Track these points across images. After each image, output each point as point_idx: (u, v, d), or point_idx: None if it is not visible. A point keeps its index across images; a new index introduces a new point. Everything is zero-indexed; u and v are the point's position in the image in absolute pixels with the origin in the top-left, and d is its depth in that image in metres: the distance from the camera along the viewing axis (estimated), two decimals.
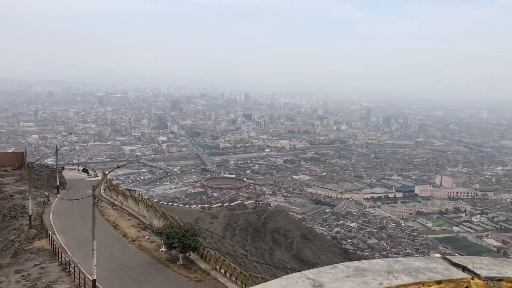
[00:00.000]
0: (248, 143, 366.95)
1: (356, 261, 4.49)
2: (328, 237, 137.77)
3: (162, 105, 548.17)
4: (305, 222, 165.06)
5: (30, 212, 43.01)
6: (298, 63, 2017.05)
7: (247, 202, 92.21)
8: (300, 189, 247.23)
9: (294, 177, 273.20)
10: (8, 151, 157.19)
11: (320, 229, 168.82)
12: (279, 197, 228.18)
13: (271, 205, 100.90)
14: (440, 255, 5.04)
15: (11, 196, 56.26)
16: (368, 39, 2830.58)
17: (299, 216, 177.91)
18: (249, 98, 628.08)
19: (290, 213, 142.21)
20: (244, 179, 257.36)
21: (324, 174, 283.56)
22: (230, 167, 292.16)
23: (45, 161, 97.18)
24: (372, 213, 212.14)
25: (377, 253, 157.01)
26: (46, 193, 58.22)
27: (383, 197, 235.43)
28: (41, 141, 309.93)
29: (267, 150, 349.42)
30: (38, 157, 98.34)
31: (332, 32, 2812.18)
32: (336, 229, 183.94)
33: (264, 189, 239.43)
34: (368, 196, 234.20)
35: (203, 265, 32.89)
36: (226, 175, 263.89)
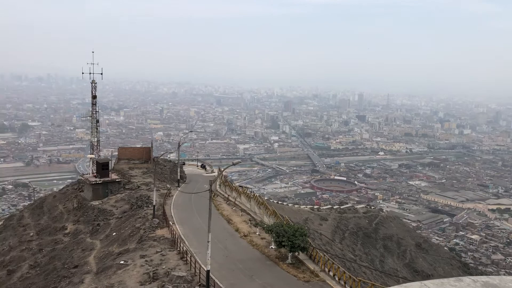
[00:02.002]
0: (360, 145, 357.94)
1: (484, 276, 4.10)
2: (445, 248, 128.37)
3: (275, 106, 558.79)
4: (420, 230, 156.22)
5: (154, 203, 46.66)
6: (418, 62, 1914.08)
7: (358, 206, 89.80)
8: (416, 195, 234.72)
9: (410, 182, 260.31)
10: (137, 146, 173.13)
11: (437, 239, 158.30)
12: (392, 202, 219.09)
13: (384, 210, 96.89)
14: None
15: (138, 187, 61.73)
16: (498, 35, 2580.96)
17: (414, 224, 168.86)
18: (363, 99, 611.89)
19: (404, 220, 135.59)
20: (356, 182, 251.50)
21: (443, 181, 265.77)
22: (341, 169, 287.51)
23: (168, 156, 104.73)
24: (498, 226, 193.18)
25: (503, 270, 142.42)
26: (168, 185, 62.74)
27: (511, 209, 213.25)
28: (165, 138, 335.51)
29: (381, 153, 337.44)
30: (162, 152, 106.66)
31: (457, 29, 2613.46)
32: (455, 240, 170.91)
33: (376, 194, 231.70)
34: (494, 207, 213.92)
35: (311, 265, 32.79)
36: (336, 177, 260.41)
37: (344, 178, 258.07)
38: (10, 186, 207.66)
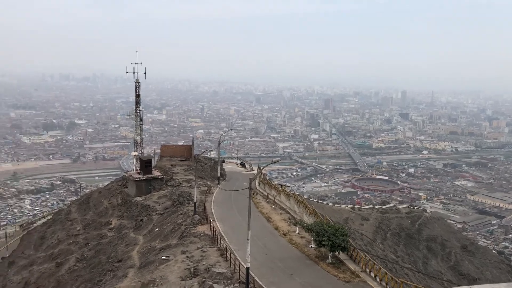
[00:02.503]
0: (403, 144, 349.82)
1: None
2: (493, 251, 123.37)
3: (315, 104, 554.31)
4: (466, 232, 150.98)
5: (195, 200, 47.33)
6: (463, 58, 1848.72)
7: (401, 206, 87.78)
8: (462, 196, 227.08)
9: (455, 182, 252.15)
10: (179, 143, 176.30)
11: (484, 242, 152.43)
12: (436, 203, 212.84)
13: (427, 211, 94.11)
14: None
15: (180, 184, 62.83)
16: None
17: (459, 226, 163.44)
18: (406, 97, 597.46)
19: (448, 221, 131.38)
20: (398, 181, 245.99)
21: (491, 181, 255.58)
22: (383, 168, 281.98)
23: (209, 154, 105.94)
24: None
25: None
26: (208, 183, 63.49)
27: None
28: (205, 136, 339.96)
29: (425, 152, 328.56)
30: (203, 150, 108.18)
31: (503, 23, 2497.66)
32: (504, 243, 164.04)
33: (419, 194, 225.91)
34: None
35: (352, 266, 32.33)
36: (378, 177, 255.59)
37: (386, 178, 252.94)
38: (59, 182, 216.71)
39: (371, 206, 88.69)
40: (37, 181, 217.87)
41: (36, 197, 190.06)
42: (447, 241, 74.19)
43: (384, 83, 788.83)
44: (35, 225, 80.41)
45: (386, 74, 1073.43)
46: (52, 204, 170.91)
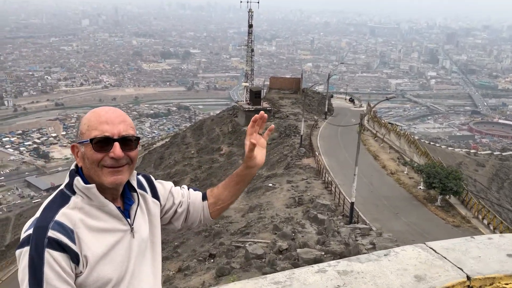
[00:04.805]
0: None
1: None
2: None
3: (436, 38, 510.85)
4: None
5: (301, 133, 47.86)
6: None
7: None
8: None
9: None
10: (287, 76, 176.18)
11: None
12: None
13: None
14: None
15: (287, 116, 63.64)
16: None
17: None
18: None
19: None
20: None
21: None
22: (507, 112, 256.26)
23: (317, 88, 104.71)
24: None
25: None
26: (315, 117, 63.41)
27: None
28: (314, 69, 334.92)
29: None
30: (311, 84, 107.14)
31: None
32: None
33: None
34: None
35: (463, 211, 30.92)
36: (500, 121, 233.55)
37: (510, 122, 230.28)
38: (174, 108, 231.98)
39: (489, 152, 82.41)
40: (155, 106, 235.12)
41: (154, 121, 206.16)
42: None
43: None
44: (154, 146, 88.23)
45: None
46: (169, 128, 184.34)
